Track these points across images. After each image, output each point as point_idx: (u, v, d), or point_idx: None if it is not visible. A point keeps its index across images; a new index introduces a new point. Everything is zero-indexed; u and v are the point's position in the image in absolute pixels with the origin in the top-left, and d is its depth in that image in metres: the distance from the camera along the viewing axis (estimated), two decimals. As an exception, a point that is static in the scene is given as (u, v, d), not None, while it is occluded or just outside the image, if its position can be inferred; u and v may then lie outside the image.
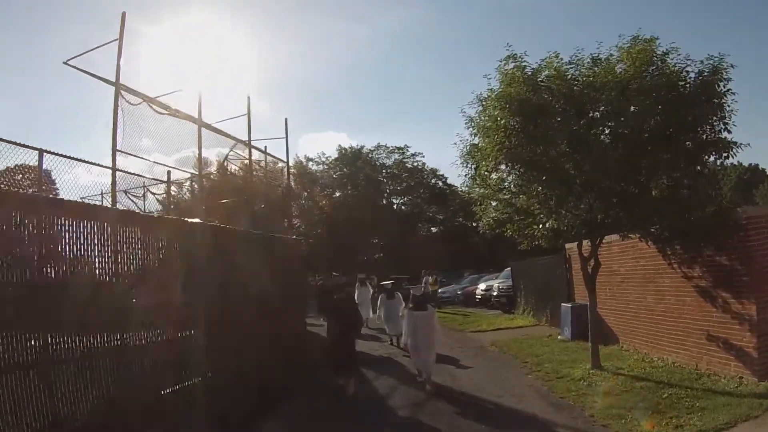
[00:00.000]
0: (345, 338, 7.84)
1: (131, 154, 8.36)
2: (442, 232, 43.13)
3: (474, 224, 43.33)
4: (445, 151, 67.47)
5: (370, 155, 43.18)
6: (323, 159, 43.19)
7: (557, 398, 6.76)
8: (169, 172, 9.54)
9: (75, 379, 4.45)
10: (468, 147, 7.99)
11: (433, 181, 43.88)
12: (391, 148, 43.21)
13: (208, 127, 11.16)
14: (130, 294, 5.38)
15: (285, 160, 14.49)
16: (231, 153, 13.43)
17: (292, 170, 41.37)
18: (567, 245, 12.52)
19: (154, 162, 9.86)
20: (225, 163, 13.62)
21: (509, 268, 19.06)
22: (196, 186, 14.94)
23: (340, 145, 44.09)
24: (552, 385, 7.38)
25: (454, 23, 62.53)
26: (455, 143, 8.18)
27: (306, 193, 42.24)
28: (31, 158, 6.85)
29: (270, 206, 14.36)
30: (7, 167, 7.09)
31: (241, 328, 7.22)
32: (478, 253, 38.43)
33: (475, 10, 60.64)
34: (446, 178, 43.44)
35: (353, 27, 60.65)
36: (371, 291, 15.27)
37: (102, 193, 10.52)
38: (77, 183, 7.62)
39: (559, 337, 11.45)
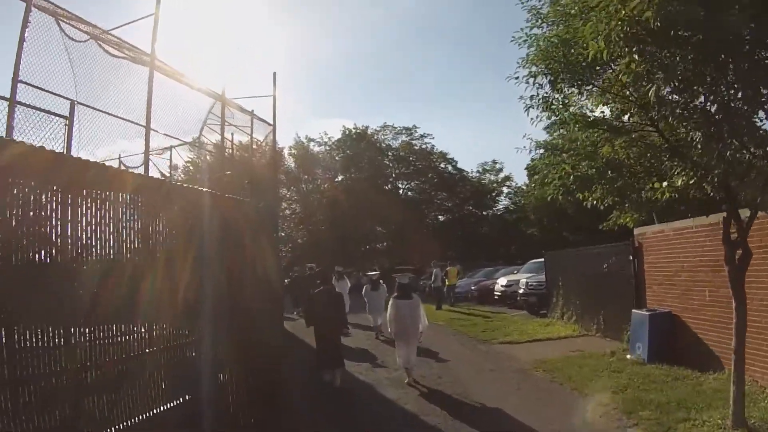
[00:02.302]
0: (329, 334, 7.85)
1: (38, 88, 5.78)
2: (450, 221, 40.21)
3: (484, 213, 41.08)
4: (455, 136, 63.57)
5: (375, 136, 40.17)
6: (325, 140, 40.18)
7: None
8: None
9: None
10: (537, 50, 4.70)
11: (442, 165, 40.86)
12: (398, 128, 40.39)
13: (161, 69, 8.21)
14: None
15: (272, 123, 11.66)
16: (210, 116, 10.83)
17: (292, 151, 39.18)
18: (636, 230, 9.40)
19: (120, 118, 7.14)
20: (203, 133, 10.84)
21: (540, 260, 15.86)
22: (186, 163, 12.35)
23: (344, 126, 41.11)
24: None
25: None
26: (515, 42, 4.88)
27: (306, 177, 39.47)
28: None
29: (256, 180, 11.74)
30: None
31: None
32: (487, 244, 35.99)
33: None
34: (456, 162, 40.69)
35: (365, 10, 56.97)
36: (348, 285, 15.31)
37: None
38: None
39: (628, 356, 8.29)
